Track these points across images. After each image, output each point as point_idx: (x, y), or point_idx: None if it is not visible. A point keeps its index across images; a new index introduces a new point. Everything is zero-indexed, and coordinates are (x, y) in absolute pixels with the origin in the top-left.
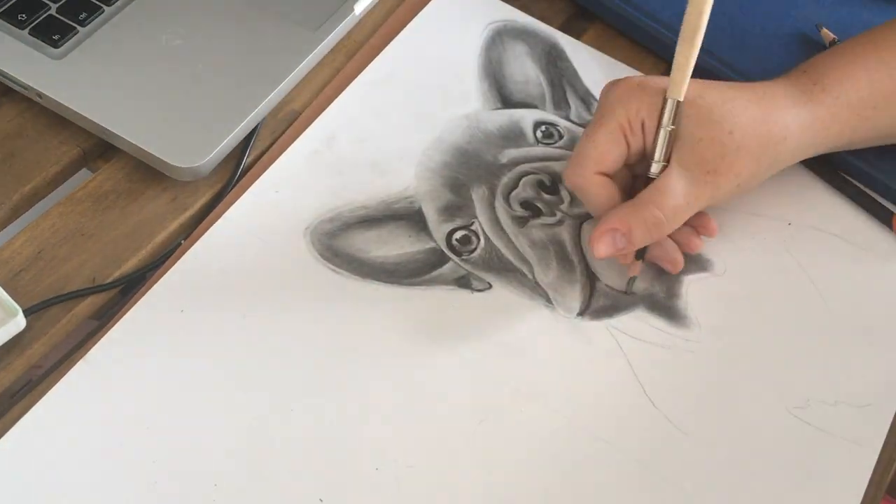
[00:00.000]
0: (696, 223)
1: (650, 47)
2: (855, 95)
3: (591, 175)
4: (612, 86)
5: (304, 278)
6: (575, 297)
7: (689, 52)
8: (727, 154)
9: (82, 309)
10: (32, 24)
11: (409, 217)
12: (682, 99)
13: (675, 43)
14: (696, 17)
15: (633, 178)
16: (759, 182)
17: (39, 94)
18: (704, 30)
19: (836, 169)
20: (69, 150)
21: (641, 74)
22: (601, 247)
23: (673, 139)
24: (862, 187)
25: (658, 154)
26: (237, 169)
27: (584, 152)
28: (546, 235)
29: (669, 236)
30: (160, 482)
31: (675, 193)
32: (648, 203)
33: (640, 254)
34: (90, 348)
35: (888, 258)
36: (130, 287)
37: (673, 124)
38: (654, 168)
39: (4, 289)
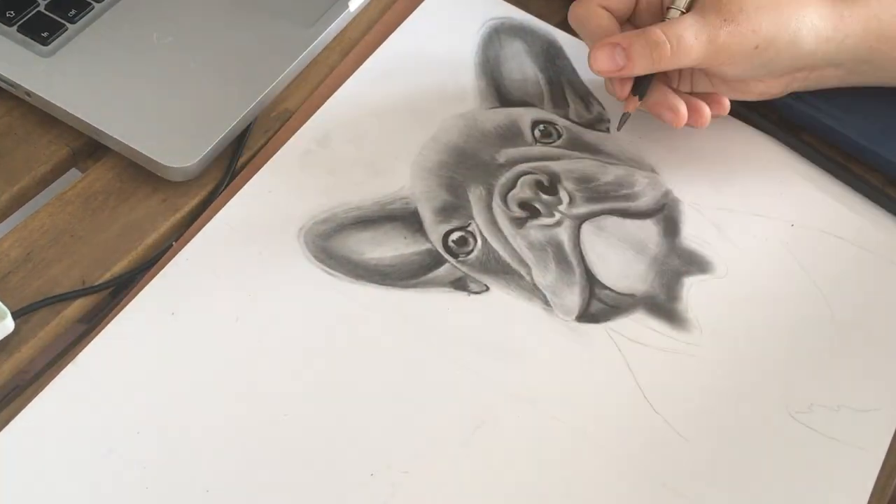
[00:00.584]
0: (709, 98)
1: None
2: (881, 14)
3: (595, 6)
4: None
5: (298, 280)
6: (573, 300)
7: None
8: (745, 7)
9: (72, 311)
10: (21, 22)
11: (404, 218)
12: None
13: None
14: None
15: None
16: (777, 63)
17: (28, 93)
18: None
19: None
20: (58, 150)
21: None
22: (600, 57)
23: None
24: (871, 180)
25: (674, 9)
26: (229, 169)
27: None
28: (544, 236)
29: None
30: (151, 488)
31: (686, 28)
32: (654, 28)
33: (639, 89)
34: (79, 352)
35: (893, 260)
36: (121, 289)
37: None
38: (671, 14)
39: None
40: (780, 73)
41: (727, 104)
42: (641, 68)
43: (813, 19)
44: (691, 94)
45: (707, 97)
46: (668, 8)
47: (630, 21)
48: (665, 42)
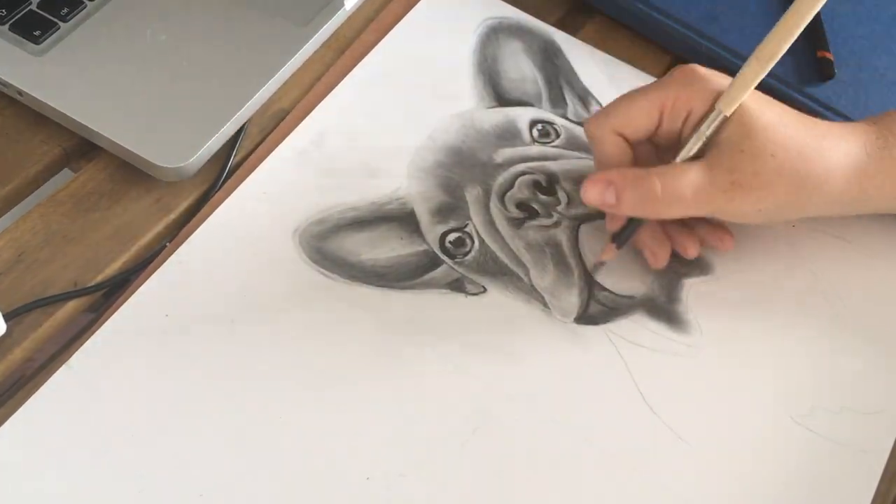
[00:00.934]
0: (711, 234)
1: (654, 39)
2: None
3: (609, 131)
4: (684, 65)
5: (293, 282)
6: (572, 301)
7: (757, 71)
8: (760, 174)
9: (64, 313)
10: (12, 20)
11: (400, 219)
12: (729, 114)
13: (684, 36)
14: (776, 44)
15: (657, 160)
16: (786, 219)
17: (20, 92)
18: (781, 55)
19: None
20: (50, 150)
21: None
22: (591, 190)
23: (707, 144)
24: None
25: (685, 152)
26: (223, 169)
27: (615, 107)
28: (542, 237)
29: (668, 232)
30: (145, 491)
31: (687, 183)
32: (654, 175)
33: (620, 238)
34: (72, 354)
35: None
36: (114, 291)
37: (709, 133)
38: (682, 155)
39: None
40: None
41: (730, 243)
42: (630, 212)
43: (836, 179)
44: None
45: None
46: (684, 145)
47: (650, 140)
48: (658, 196)
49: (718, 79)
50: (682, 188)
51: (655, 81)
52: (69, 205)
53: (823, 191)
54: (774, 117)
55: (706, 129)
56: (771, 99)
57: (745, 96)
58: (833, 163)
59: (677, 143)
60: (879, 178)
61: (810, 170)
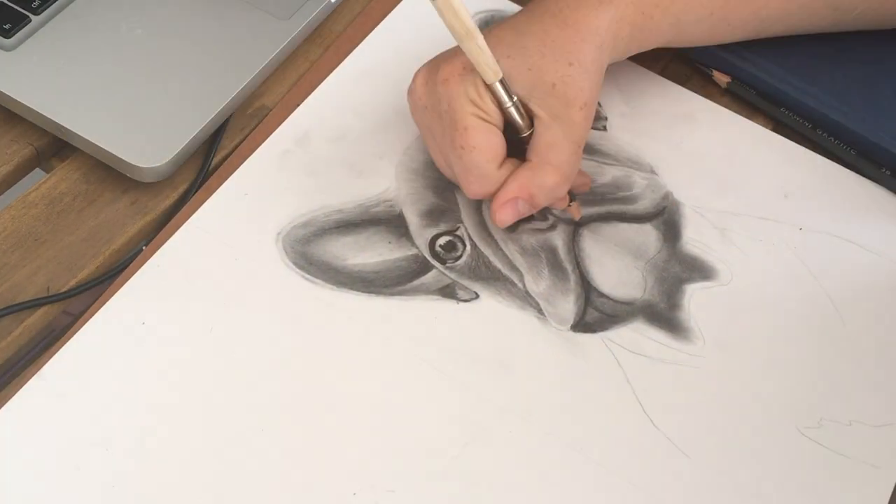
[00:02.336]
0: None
1: None
2: None
3: (498, 177)
4: (430, 85)
5: (276, 288)
6: (568, 308)
7: (475, 43)
8: (583, 84)
9: (36, 320)
10: None
11: (388, 221)
12: (501, 76)
13: None
14: (453, 19)
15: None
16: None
17: None
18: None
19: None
20: (21, 149)
21: (434, 60)
22: (504, 216)
23: (524, 102)
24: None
25: (523, 124)
26: (203, 170)
27: (474, 163)
28: (537, 241)
29: None
30: None
31: (561, 144)
32: (542, 165)
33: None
34: (44, 363)
35: None
36: (88, 297)
37: (511, 98)
38: (527, 134)
39: None
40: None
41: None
42: (547, 204)
43: (608, 43)
44: None
45: None
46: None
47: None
48: (563, 178)
49: (465, 59)
50: (566, 149)
51: (447, 118)
52: (41, 206)
53: (605, 50)
54: (533, 41)
55: (507, 100)
56: (495, 27)
57: (492, 58)
58: (595, 23)
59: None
60: (623, 19)
61: (591, 45)
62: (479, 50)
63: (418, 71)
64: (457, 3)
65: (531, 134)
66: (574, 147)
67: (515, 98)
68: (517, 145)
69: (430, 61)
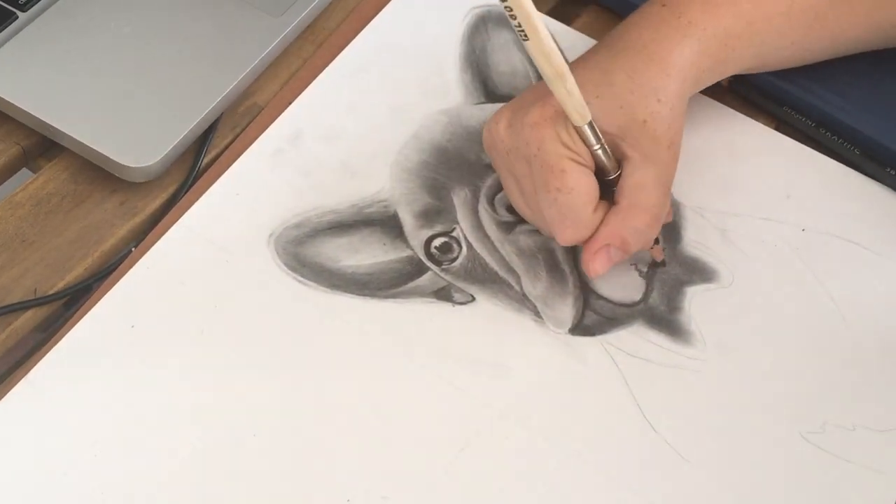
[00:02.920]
0: None
1: None
2: (720, 25)
3: (594, 221)
4: (516, 128)
5: (268, 290)
6: (566, 311)
7: (565, 85)
8: (671, 122)
9: (23, 323)
10: None
11: (383, 223)
12: (589, 119)
13: None
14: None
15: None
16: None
17: None
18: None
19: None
20: (7, 149)
21: (517, 103)
22: (598, 266)
23: (612, 143)
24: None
25: (610, 166)
26: (193, 169)
27: (570, 207)
28: (535, 243)
29: None
30: None
31: (653, 185)
32: (633, 207)
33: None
34: (32, 367)
35: None
36: (76, 299)
37: (600, 139)
38: (614, 176)
39: None
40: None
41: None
42: (639, 249)
43: (689, 80)
44: None
45: None
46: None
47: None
48: (655, 220)
49: (554, 101)
50: (657, 191)
51: (538, 164)
52: (28, 207)
53: (686, 88)
54: (622, 78)
55: (595, 142)
56: (580, 64)
57: (581, 100)
58: (677, 61)
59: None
60: (703, 55)
61: (672, 81)
62: (568, 93)
63: (499, 113)
64: (548, 45)
65: (618, 176)
66: (664, 188)
67: (602, 140)
68: (602, 188)
69: (513, 102)
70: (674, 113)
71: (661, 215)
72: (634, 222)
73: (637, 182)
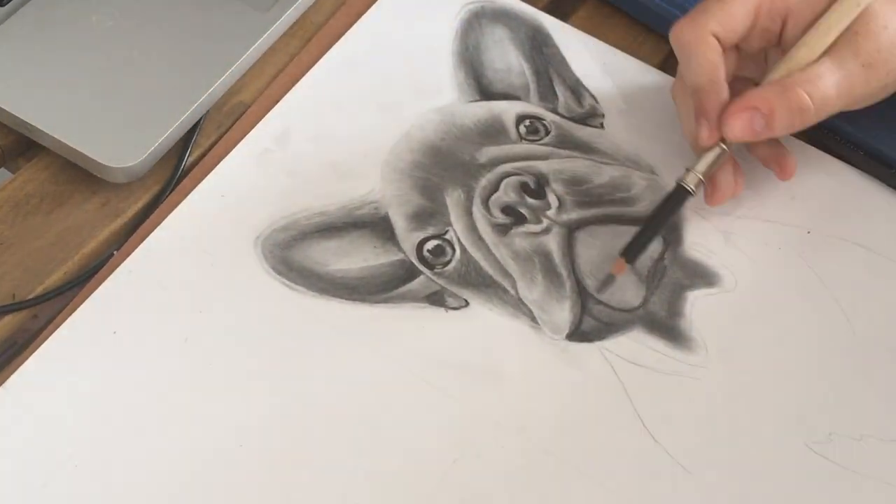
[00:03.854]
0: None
1: (651, 26)
2: None
3: (706, 33)
4: None
5: (255, 295)
6: (563, 316)
7: None
8: (882, 48)
9: (0, 329)
10: None
11: (373, 225)
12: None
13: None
14: None
15: (737, 70)
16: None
17: None
18: None
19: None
20: None
21: None
22: (737, 125)
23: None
24: None
25: (812, 48)
26: (177, 170)
27: (708, 7)
28: (531, 245)
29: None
30: None
31: (828, 83)
32: (797, 86)
33: (631, 253)
34: (9, 375)
35: None
36: (55, 304)
37: (842, 27)
38: (802, 55)
39: None
40: None
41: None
42: (781, 132)
43: None
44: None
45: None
46: (797, 46)
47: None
48: (811, 108)
49: None
50: (827, 90)
51: None
52: (6, 209)
53: None
54: None
55: (837, 23)
56: None
57: None
58: None
59: (764, 48)
60: None
61: None
62: None
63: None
64: None
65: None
66: (835, 100)
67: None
68: None
69: None
70: (894, 50)
71: (818, 114)
72: (793, 101)
73: (817, 73)
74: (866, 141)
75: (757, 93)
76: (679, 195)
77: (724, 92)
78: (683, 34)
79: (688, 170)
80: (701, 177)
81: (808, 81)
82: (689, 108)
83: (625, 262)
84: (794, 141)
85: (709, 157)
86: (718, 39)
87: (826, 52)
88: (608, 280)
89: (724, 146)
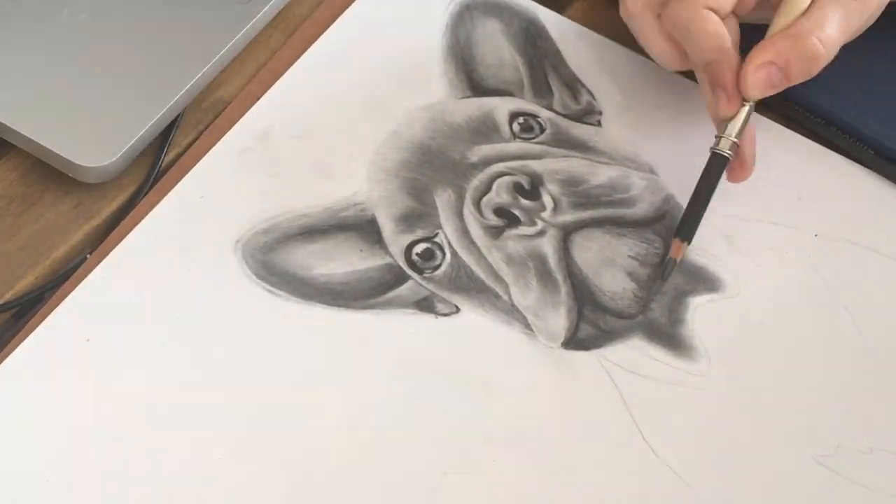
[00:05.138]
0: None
1: None
2: None
3: (700, 8)
4: None
5: (235, 301)
6: (559, 323)
7: None
8: None
9: None
10: None
11: (359, 227)
12: None
13: None
14: None
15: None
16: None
17: None
18: None
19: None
20: None
21: None
22: (757, 83)
23: None
24: None
25: None
26: (153, 169)
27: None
28: (524, 249)
29: None
30: None
31: (833, 24)
32: (808, 33)
33: (686, 234)
34: None
35: None
36: (25, 311)
37: None
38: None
39: None
40: None
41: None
42: (798, 80)
43: None
44: None
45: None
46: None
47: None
48: (823, 53)
49: None
50: (833, 31)
51: None
52: None
53: None
54: None
55: None
56: None
57: None
58: None
59: (761, 7)
60: None
61: None
62: None
63: None
64: None
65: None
66: (838, 35)
67: None
68: None
69: None
70: None
71: (828, 59)
72: (808, 49)
73: (823, 16)
74: (878, 140)
75: (769, 45)
76: (718, 163)
77: (735, 59)
78: (681, 14)
79: (718, 137)
80: (734, 139)
81: (817, 27)
82: (670, 52)
83: (681, 243)
84: (800, 139)
85: (738, 120)
86: (715, 11)
87: None
88: (668, 265)
89: (747, 104)
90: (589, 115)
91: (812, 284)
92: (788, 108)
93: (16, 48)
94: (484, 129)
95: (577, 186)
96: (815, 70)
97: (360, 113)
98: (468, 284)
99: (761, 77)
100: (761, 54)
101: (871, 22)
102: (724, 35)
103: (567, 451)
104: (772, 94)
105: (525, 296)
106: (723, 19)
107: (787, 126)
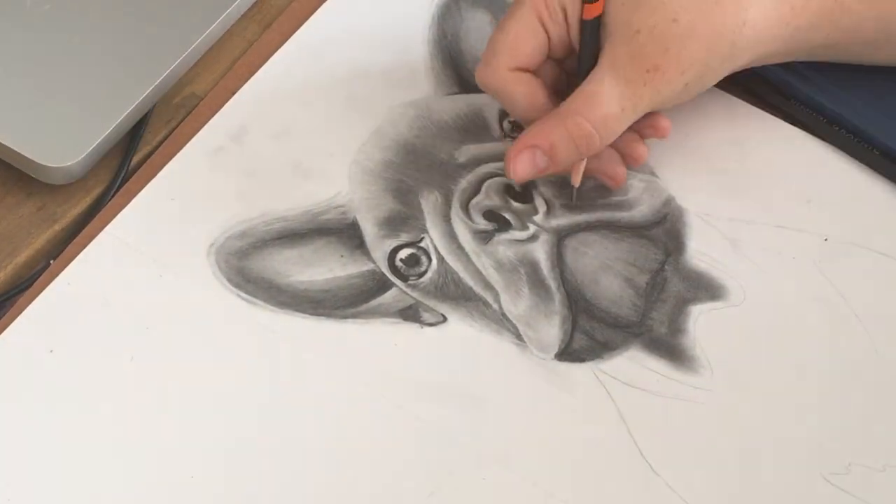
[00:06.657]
0: (642, 124)
1: None
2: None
3: (505, 72)
4: None
5: (208, 310)
6: (552, 333)
7: None
8: (671, 46)
9: None
10: None
11: (340, 231)
12: None
13: None
14: None
15: (567, 77)
16: (711, 82)
17: None
18: None
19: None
20: None
21: None
22: (519, 168)
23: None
24: None
25: (583, 63)
26: (121, 170)
27: (494, 45)
28: (515, 254)
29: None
30: None
31: (608, 100)
32: (574, 113)
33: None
34: None
35: None
36: None
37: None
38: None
39: None
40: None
41: (666, 127)
42: (569, 162)
43: (755, 19)
44: None
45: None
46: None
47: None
48: (592, 134)
49: None
50: (608, 107)
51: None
52: None
53: (745, 35)
54: None
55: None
56: None
57: None
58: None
59: (572, 50)
60: (800, 4)
61: (722, 13)
62: None
63: None
64: None
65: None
66: (618, 111)
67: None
68: None
69: None
70: (687, 44)
71: (603, 137)
72: (572, 130)
73: (593, 92)
74: (887, 142)
75: (537, 128)
76: None
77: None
78: (486, 81)
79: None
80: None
81: (584, 105)
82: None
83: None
84: (809, 138)
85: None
86: (523, 69)
87: (603, 57)
88: (574, 193)
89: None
90: None
91: (821, 291)
92: (789, 106)
93: None
94: (473, 128)
95: (571, 188)
96: (589, 150)
97: (341, 110)
98: (455, 292)
99: (524, 161)
100: (527, 136)
101: (698, 92)
102: (538, 91)
103: (560, 469)
104: (541, 177)
105: (516, 304)
106: (537, 71)
107: (794, 125)
